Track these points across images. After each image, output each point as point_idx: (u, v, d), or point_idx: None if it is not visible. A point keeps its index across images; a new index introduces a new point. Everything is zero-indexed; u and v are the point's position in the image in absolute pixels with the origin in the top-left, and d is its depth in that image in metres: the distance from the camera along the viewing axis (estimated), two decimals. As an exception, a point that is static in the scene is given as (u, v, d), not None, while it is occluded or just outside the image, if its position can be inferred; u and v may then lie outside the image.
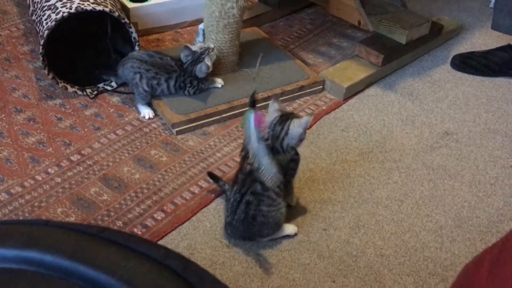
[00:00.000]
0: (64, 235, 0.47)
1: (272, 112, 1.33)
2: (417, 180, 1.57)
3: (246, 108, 1.75)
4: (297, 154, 1.34)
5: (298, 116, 1.30)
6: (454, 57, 2.11)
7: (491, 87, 2.00)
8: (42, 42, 1.66)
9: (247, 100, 1.77)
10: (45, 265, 0.45)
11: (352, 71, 1.95)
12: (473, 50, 2.14)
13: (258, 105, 1.78)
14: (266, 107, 1.79)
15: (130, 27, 1.74)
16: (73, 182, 1.49)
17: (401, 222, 1.44)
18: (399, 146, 1.69)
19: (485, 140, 1.74)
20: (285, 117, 1.30)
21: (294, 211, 1.45)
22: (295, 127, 1.28)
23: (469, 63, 2.07)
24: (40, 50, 1.67)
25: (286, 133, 1.29)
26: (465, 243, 1.39)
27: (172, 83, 1.70)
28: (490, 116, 1.85)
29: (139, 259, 0.45)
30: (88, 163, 1.55)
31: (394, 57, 2.01)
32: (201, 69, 1.68)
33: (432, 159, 1.65)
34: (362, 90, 1.94)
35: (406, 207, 1.48)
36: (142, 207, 1.43)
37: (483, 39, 2.27)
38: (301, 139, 1.30)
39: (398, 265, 1.32)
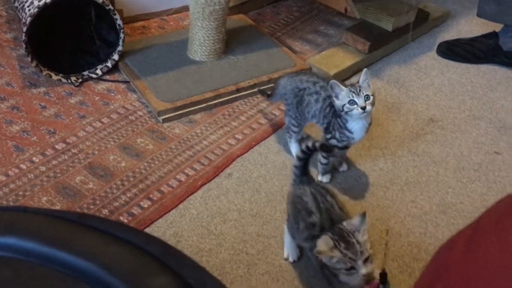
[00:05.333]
0: (44, 222, 0.47)
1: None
2: (402, 166, 1.59)
3: (232, 96, 1.76)
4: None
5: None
6: (440, 44, 2.12)
7: (476, 74, 2.02)
8: (25, 29, 1.63)
9: (233, 87, 1.77)
10: (25, 251, 0.45)
11: (338, 59, 1.95)
12: (459, 37, 2.15)
13: (245, 93, 1.78)
14: (253, 94, 1.80)
15: (115, 14, 1.72)
16: (58, 170, 1.48)
17: (386, 208, 1.45)
18: (384, 133, 1.70)
19: (469, 126, 1.76)
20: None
21: (280, 198, 1.45)
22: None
23: (455, 50, 2.08)
24: (23, 38, 1.64)
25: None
26: (449, 228, 1.41)
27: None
28: (475, 102, 1.87)
29: (119, 244, 0.45)
30: (73, 151, 1.54)
31: (380, 44, 2.01)
32: None
33: (417, 146, 1.66)
34: (348, 78, 1.94)
35: (391, 193, 1.50)
36: (128, 195, 1.43)
37: (469, 26, 2.28)
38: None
39: (383, 251, 1.33)
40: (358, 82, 1.37)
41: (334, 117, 1.41)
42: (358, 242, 1.07)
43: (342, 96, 1.34)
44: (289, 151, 1.60)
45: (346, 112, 1.35)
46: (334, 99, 1.36)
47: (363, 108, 1.32)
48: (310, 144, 1.22)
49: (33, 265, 0.44)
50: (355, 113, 1.34)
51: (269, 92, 1.65)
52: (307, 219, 1.17)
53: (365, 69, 1.37)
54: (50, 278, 0.44)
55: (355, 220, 1.10)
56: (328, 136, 1.44)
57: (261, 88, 1.74)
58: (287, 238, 1.30)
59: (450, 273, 0.33)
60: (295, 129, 1.54)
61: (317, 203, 1.18)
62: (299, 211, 1.20)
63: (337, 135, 1.42)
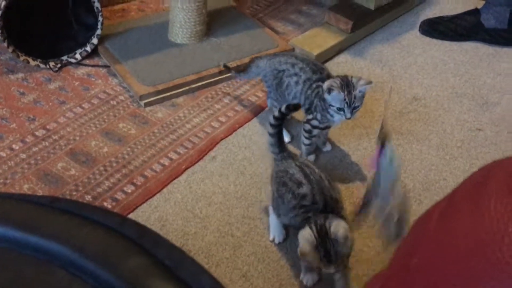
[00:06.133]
0: (15, 206, 0.46)
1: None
2: (386, 145, 1.59)
3: (215, 78, 1.74)
4: None
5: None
6: (423, 22, 2.11)
7: (459, 51, 2.02)
8: (-1, 13, 1.59)
9: (216, 70, 1.76)
10: (-4, 237, 0.43)
11: (321, 39, 1.93)
12: (441, 15, 2.15)
13: (228, 75, 1.77)
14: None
15: (92, -3, 1.68)
16: (39, 157, 1.45)
17: (371, 187, 1.46)
18: (368, 112, 1.70)
19: (452, 104, 1.77)
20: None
21: (264, 180, 1.45)
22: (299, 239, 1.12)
23: (437, 28, 2.08)
24: (-2, 22, 1.60)
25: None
26: (432, 205, 1.42)
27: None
28: (458, 80, 1.87)
29: (93, 227, 0.44)
30: (54, 138, 1.52)
31: (363, 23, 2.00)
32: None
33: (400, 125, 1.67)
34: (332, 58, 1.93)
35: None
36: (112, 180, 1.41)
37: (451, 4, 2.27)
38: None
39: (367, 229, 1.34)
40: (353, 86, 1.33)
41: (317, 98, 1.40)
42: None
43: (335, 98, 1.33)
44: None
45: (329, 111, 1.37)
46: (326, 93, 1.34)
47: (348, 118, 1.35)
48: (278, 111, 1.23)
49: (4, 251, 0.43)
50: (336, 119, 1.38)
51: (240, 69, 1.62)
52: (296, 190, 1.17)
53: (371, 83, 1.34)
54: (22, 263, 0.43)
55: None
56: (310, 116, 1.44)
57: (226, 63, 1.71)
58: (272, 220, 1.30)
59: (424, 246, 0.33)
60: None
61: (305, 173, 1.19)
62: (285, 184, 1.19)
63: (319, 116, 1.42)
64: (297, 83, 1.43)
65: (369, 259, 1.28)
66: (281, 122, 1.25)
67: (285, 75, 1.46)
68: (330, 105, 1.35)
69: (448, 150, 1.59)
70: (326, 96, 1.34)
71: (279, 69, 1.47)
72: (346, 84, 1.33)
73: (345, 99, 1.32)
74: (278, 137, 1.26)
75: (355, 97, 1.32)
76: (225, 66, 1.70)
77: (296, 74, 1.44)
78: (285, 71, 1.45)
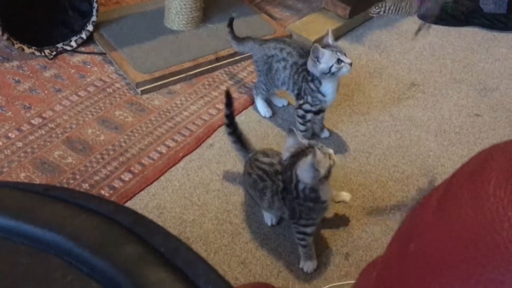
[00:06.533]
0: (8, 194, 0.45)
1: (286, 149, 1.15)
2: (384, 131, 1.59)
3: (212, 65, 1.72)
4: (317, 199, 1.13)
5: (307, 153, 1.09)
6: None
7: (457, 36, 2.00)
8: (-7, 0, 1.57)
9: (212, 56, 1.74)
10: (-12, 226, 0.43)
11: (319, 24, 1.92)
12: (440, 0, 2.13)
13: (225, 62, 1.75)
14: (233, 63, 1.77)
15: (87, -17, 1.66)
16: (35, 146, 1.45)
17: (369, 174, 1.45)
18: (366, 98, 1.70)
19: (450, 90, 1.76)
20: (295, 159, 1.12)
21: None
22: (301, 172, 1.09)
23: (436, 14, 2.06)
24: (-8, 10, 1.58)
25: (297, 180, 1.11)
26: (431, 191, 1.42)
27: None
28: (456, 65, 1.86)
29: (87, 215, 0.43)
30: (50, 126, 1.51)
31: (361, 9, 1.98)
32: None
33: (399, 111, 1.66)
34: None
35: (373, 158, 1.50)
36: (109, 168, 1.41)
37: (449, -12, 2.25)
38: (315, 178, 1.09)
39: (366, 215, 1.34)
40: (329, 43, 1.37)
41: (305, 82, 1.41)
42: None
43: (327, 58, 1.33)
44: (270, 120, 1.59)
45: (333, 73, 1.34)
46: (317, 63, 1.34)
47: (350, 64, 1.34)
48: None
49: (-2, 239, 0.42)
50: (345, 71, 1.35)
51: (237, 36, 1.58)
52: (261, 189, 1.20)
53: (329, 30, 1.39)
54: (17, 252, 0.42)
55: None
56: (301, 101, 1.44)
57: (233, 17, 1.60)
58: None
59: (422, 233, 0.33)
60: (263, 92, 1.56)
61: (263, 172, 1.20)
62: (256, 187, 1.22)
63: (310, 99, 1.42)
64: (285, 68, 1.45)
65: (366, 245, 1.28)
66: (234, 129, 1.30)
67: (274, 60, 1.46)
68: (330, 67, 1.33)
69: (446, 136, 1.59)
70: (317, 65, 1.34)
71: (269, 55, 1.47)
72: (325, 45, 1.36)
73: (334, 51, 1.33)
74: (240, 142, 1.30)
75: (337, 46, 1.36)
76: (231, 20, 1.59)
77: (284, 59, 1.44)
78: (274, 56, 1.46)
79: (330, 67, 1.33)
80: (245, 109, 1.63)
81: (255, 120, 1.59)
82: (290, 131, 1.16)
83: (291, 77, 1.43)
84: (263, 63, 1.49)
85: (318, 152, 1.06)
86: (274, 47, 1.46)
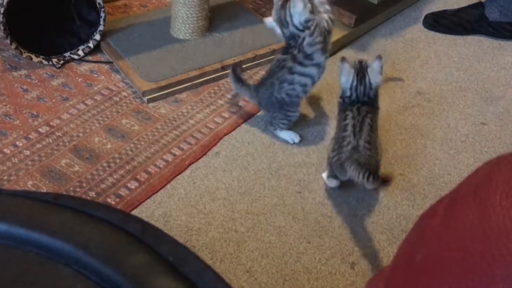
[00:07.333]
0: (18, 203, 0.46)
1: (347, 73, 1.38)
2: (390, 140, 1.59)
3: (218, 74, 1.73)
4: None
5: (366, 64, 1.39)
6: (426, 16, 2.10)
7: (463, 45, 2.01)
8: (2, 10, 1.59)
9: (218, 65, 1.75)
10: (-1, 234, 0.43)
11: (324, 33, 1.92)
12: (445, 8, 2.14)
13: (227, 70, 1.76)
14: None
15: (94, -7, 1.68)
16: (42, 154, 1.46)
17: (375, 182, 1.45)
18: (372, 107, 1.70)
19: (456, 98, 1.76)
20: (360, 70, 1.38)
21: (268, 175, 1.45)
22: (374, 76, 1.38)
23: (441, 22, 2.07)
24: (1, 19, 1.60)
25: (370, 86, 1.38)
26: (437, 199, 1.41)
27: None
28: (461, 74, 1.86)
29: (95, 223, 0.44)
30: (58, 134, 1.52)
31: (366, 18, 1.99)
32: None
33: (404, 119, 1.66)
34: (335, 52, 1.92)
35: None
36: (115, 177, 1.41)
37: (455, -3, 2.26)
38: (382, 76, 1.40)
39: (372, 224, 1.34)
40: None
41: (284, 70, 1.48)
42: None
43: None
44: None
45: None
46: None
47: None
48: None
49: (8, 248, 0.43)
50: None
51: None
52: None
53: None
54: (26, 260, 0.43)
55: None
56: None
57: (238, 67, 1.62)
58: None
59: (428, 242, 0.33)
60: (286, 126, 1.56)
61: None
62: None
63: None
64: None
65: (372, 255, 1.27)
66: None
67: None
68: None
69: (453, 144, 1.58)
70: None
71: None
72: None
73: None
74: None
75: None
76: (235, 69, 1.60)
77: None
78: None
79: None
80: (250, 117, 1.63)
81: (261, 129, 1.60)
82: (342, 59, 1.39)
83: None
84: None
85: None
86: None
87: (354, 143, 1.31)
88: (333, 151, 1.35)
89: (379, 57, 1.38)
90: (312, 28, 1.38)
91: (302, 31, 1.39)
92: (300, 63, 1.42)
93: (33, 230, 0.43)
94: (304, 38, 1.39)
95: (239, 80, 1.55)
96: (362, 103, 1.38)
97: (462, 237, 0.31)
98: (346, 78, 1.38)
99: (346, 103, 1.39)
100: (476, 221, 0.31)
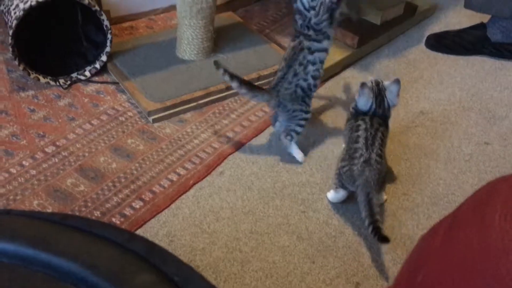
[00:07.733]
0: (26, 223, 0.47)
1: (366, 98, 1.41)
2: (393, 160, 1.59)
3: (222, 94, 1.75)
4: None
5: (384, 86, 1.43)
6: (429, 37, 2.12)
7: (465, 65, 2.02)
8: (11, 32, 1.62)
9: (223, 85, 1.77)
10: (7, 254, 0.44)
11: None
12: (447, 29, 2.16)
13: (235, 90, 1.78)
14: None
15: (101, 15, 1.71)
16: (48, 174, 1.47)
17: (379, 202, 1.45)
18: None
19: (459, 118, 1.76)
20: (379, 93, 1.42)
21: (272, 195, 1.45)
22: (392, 98, 1.42)
23: (444, 43, 2.09)
24: (10, 41, 1.63)
25: (388, 109, 1.43)
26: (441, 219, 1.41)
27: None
28: (464, 94, 1.87)
29: (102, 243, 0.44)
30: (64, 154, 1.53)
31: (369, 39, 2.01)
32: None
33: (407, 139, 1.67)
34: (338, 73, 1.94)
35: (383, 186, 1.50)
36: (120, 196, 1.42)
37: (457, 18, 2.28)
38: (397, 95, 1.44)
39: (376, 244, 1.33)
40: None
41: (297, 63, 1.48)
42: None
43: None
44: (280, 148, 1.60)
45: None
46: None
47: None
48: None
49: (15, 267, 0.43)
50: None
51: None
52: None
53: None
54: (33, 279, 0.43)
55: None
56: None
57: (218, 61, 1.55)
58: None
59: (429, 262, 0.33)
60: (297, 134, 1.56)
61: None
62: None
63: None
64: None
65: (377, 275, 1.27)
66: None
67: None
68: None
69: (456, 164, 1.59)
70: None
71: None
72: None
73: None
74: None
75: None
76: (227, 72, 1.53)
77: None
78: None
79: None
80: (254, 137, 1.64)
81: (265, 148, 1.61)
82: (362, 84, 1.41)
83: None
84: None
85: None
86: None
87: (366, 156, 1.33)
88: (344, 161, 1.36)
89: (397, 81, 1.41)
90: (317, 8, 1.40)
91: (308, 11, 1.42)
92: (315, 40, 1.44)
93: (41, 250, 0.44)
94: (310, 18, 1.42)
95: (252, 87, 1.51)
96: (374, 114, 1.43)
97: (462, 257, 0.32)
98: (365, 102, 1.41)
99: (359, 113, 1.43)
100: (476, 241, 0.32)
